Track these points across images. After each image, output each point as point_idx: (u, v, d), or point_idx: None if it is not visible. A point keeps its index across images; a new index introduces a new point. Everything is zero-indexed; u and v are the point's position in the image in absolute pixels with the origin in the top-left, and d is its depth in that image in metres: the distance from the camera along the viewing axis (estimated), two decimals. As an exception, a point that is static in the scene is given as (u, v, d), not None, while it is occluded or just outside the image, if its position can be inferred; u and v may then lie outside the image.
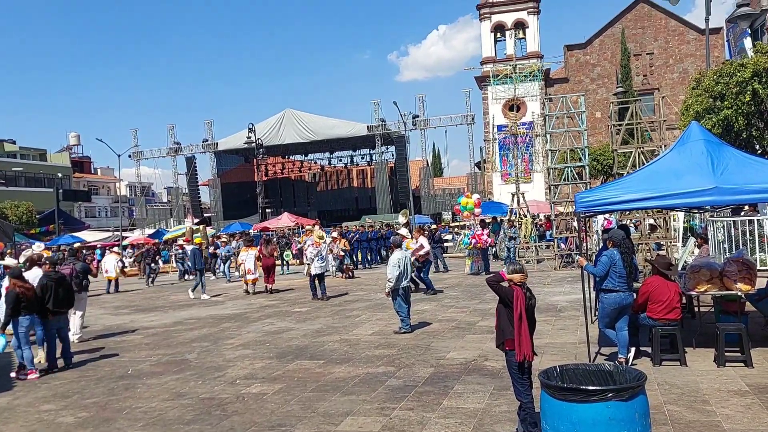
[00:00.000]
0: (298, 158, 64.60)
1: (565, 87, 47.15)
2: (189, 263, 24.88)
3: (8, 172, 57.18)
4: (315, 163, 65.59)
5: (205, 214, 57.72)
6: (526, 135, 34.31)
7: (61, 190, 43.23)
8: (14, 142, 67.27)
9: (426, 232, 25.43)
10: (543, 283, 15.88)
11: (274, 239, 27.83)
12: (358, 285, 18.74)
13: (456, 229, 34.67)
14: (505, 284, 5.43)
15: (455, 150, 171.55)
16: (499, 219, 25.79)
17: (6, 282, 11.31)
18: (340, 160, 63.42)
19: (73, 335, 11.55)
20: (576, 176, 20.92)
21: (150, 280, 24.21)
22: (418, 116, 47.70)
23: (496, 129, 41.70)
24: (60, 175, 63.75)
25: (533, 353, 5.39)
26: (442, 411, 6.26)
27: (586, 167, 20.33)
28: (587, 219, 13.12)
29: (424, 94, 49.23)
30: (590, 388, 4.08)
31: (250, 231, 38.55)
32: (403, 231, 16.38)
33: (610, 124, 17.38)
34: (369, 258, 25.76)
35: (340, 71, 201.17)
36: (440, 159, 78.82)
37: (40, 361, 9.58)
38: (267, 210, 49.25)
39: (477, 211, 20.16)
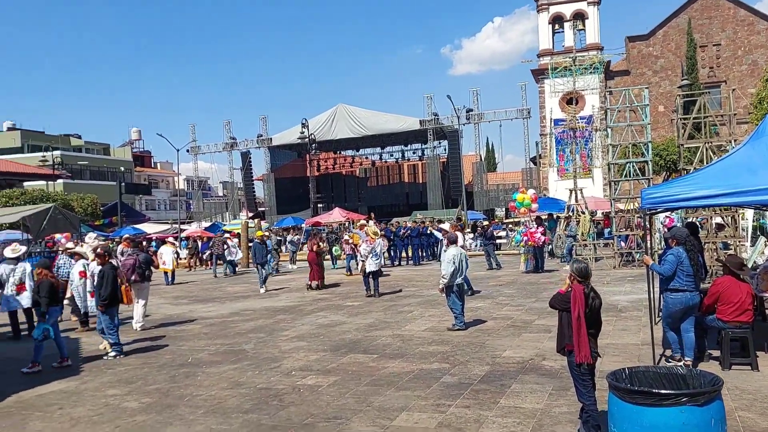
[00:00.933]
0: (350, 153, 64.97)
1: (626, 80, 45.79)
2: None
3: (74, 166, 59.54)
4: (366, 158, 65.81)
5: (259, 209, 58.77)
6: (585, 129, 33.46)
7: (123, 184, 44.81)
8: (80, 137, 70.08)
9: (479, 228, 25.19)
10: (602, 282, 15.45)
11: (322, 233, 27.92)
12: (410, 281, 18.68)
13: (510, 226, 34.17)
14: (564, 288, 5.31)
15: (510, 145, 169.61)
16: (555, 216, 25.27)
17: (78, 268, 11.79)
18: (392, 155, 63.38)
19: (136, 323, 11.93)
20: (638, 172, 20.23)
21: (217, 270, 24.74)
22: (471, 110, 47.21)
23: (553, 123, 40.88)
24: (122, 168, 65.96)
25: (597, 354, 5.21)
26: (500, 410, 6.14)
27: (649, 162, 19.65)
28: (650, 217, 12.67)
29: (478, 88, 48.79)
30: (663, 391, 3.89)
31: (302, 225, 39.08)
32: (446, 226, 16.09)
33: (675, 117, 16.75)
34: (420, 254, 25.65)
35: (392, 66, 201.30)
36: (494, 154, 77.83)
37: (105, 348, 9.89)
38: (318, 205, 49.74)
39: (534, 207, 19.74)
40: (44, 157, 50.53)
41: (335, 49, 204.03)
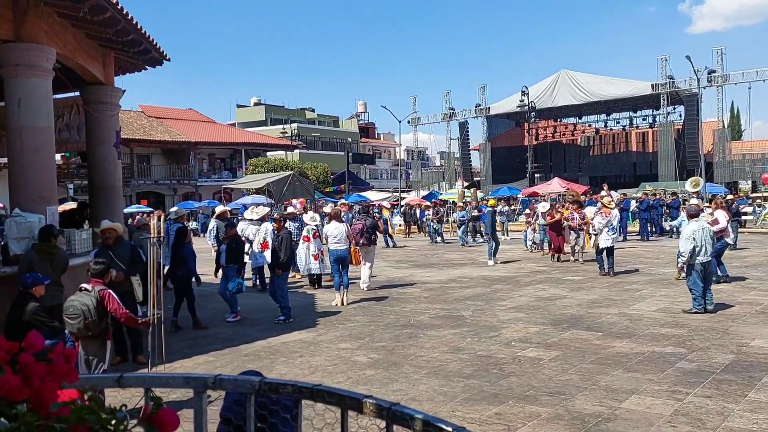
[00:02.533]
0: (571, 121, 61.99)
1: None
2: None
3: (308, 137, 65.13)
4: (589, 125, 62.20)
5: (474, 178, 59.03)
6: None
7: (350, 154, 48.10)
8: (313, 110, 76.47)
9: (722, 204, 22.45)
10: None
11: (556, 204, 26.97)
12: (637, 258, 17.40)
13: (758, 201, 30.04)
14: None
15: (760, 110, 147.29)
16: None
17: (302, 233, 13.10)
18: (618, 123, 59.09)
19: (363, 283, 12.78)
20: None
21: (436, 238, 25.53)
22: (714, 71, 41.95)
23: (819, 82, 34.77)
24: (350, 139, 70.45)
25: None
26: (748, 404, 5.48)
27: None
28: None
29: (722, 46, 42.85)
30: None
31: (518, 196, 38.46)
32: (695, 200, 14.37)
33: None
34: (650, 229, 23.72)
35: (621, 27, 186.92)
36: (740, 120, 68.49)
37: (337, 304, 10.75)
38: (536, 175, 48.41)
39: (793, 178, 17.01)
40: (284, 129, 56.18)
41: (558, 13, 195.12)
